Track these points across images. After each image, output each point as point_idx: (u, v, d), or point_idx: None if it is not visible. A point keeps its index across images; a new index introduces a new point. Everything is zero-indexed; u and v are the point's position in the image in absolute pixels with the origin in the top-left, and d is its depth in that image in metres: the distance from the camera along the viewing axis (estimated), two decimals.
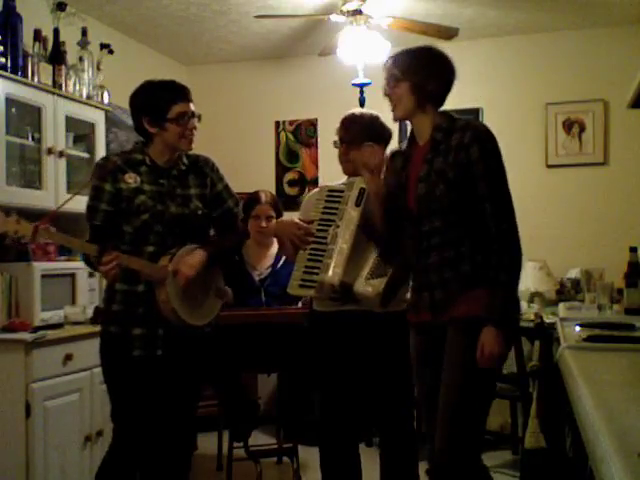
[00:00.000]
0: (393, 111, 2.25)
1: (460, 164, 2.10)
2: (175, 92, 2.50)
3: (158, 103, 2.46)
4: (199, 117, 2.56)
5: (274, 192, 5.27)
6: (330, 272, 2.43)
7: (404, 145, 2.33)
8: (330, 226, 2.52)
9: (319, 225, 2.54)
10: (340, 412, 2.77)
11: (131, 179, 2.48)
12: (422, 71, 2.19)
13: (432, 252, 2.16)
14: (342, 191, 2.56)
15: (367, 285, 2.41)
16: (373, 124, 2.73)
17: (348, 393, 2.77)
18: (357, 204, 2.46)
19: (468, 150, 2.10)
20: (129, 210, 2.46)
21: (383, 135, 2.74)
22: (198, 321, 2.53)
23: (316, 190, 2.76)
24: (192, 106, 2.52)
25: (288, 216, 4.52)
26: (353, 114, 2.75)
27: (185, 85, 2.55)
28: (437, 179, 2.13)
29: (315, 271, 2.49)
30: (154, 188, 2.50)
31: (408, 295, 2.42)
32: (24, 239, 2.37)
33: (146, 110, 2.48)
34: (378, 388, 2.77)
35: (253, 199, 3.76)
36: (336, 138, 2.74)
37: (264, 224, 3.72)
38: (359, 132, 2.68)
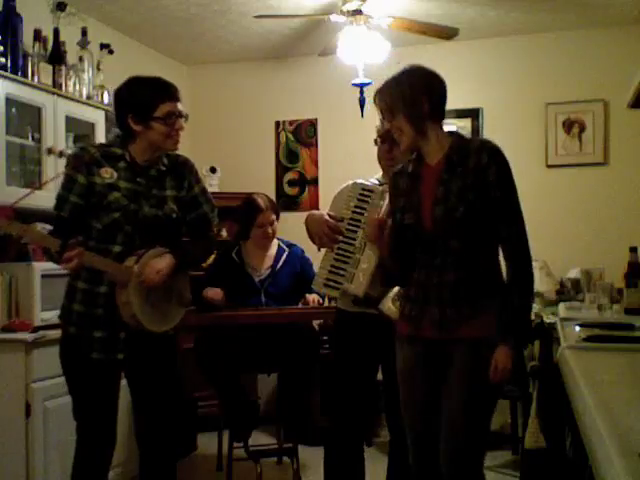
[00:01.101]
0: (399, 143, 2.22)
1: (479, 186, 2.11)
2: (164, 90, 2.40)
3: (145, 101, 2.37)
4: (186, 117, 2.46)
5: (274, 192, 5.30)
6: (355, 283, 2.43)
7: (408, 166, 2.27)
8: (360, 227, 2.50)
9: (349, 225, 2.52)
10: (353, 412, 2.74)
11: (107, 174, 2.38)
12: (411, 98, 2.14)
13: (446, 270, 2.15)
14: (374, 191, 2.53)
15: (393, 306, 2.44)
16: None
17: (362, 393, 2.75)
18: (388, 215, 2.39)
19: (486, 171, 2.11)
20: (100, 206, 2.37)
21: None
22: (158, 327, 2.44)
23: (349, 184, 2.67)
24: (180, 106, 2.42)
25: (286, 217, 4.54)
26: None
27: (173, 83, 2.45)
28: (457, 201, 2.12)
29: (341, 272, 2.48)
30: (130, 186, 2.40)
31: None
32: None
33: (132, 107, 2.38)
34: (394, 389, 2.75)
35: (253, 207, 3.72)
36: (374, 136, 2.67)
37: (270, 231, 3.73)
38: None
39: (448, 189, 2.14)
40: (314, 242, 2.64)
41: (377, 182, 2.69)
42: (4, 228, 2.29)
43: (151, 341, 2.45)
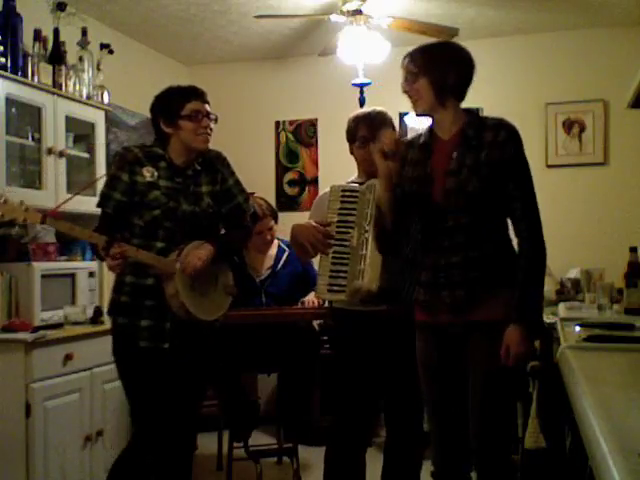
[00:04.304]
0: (413, 107, 2.24)
1: (494, 162, 2.11)
2: (190, 92, 2.58)
3: (173, 102, 2.54)
4: (215, 119, 2.60)
5: (274, 192, 5.30)
6: (366, 278, 2.41)
7: (421, 138, 2.28)
8: (351, 227, 2.49)
9: (338, 227, 2.52)
10: (357, 415, 2.70)
11: (148, 173, 2.51)
12: (439, 65, 2.18)
13: (456, 251, 2.14)
14: (357, 191, 2.53)
15: None
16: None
17: (366, 394, 2.70)
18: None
19: (503, 148, 2.12)
20: (141, 204, 2.49)
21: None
22: (207, 316, 2.55)
23: (326, 191, 2.68)
24: (207, 107, 2.58)
25: (286, 217, 4.54)
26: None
27: (202, 89, 2.63)
28: (470, 174, 2.11)
29: (342, 275, 2.47)
30: (169, 184, 2.53)
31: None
32: (35, 225, 2.37)
33: (161, 110, 2.55)
34: (394, 388, 2.72)
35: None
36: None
37: (268, 237, 3.75)
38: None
39: (462, 162, 2.14)
40: (304, 253, 2.60)
41: (356, 183, 2.66)
42: (51, 224, 2.43)
43: (197, 331, 2.55)
